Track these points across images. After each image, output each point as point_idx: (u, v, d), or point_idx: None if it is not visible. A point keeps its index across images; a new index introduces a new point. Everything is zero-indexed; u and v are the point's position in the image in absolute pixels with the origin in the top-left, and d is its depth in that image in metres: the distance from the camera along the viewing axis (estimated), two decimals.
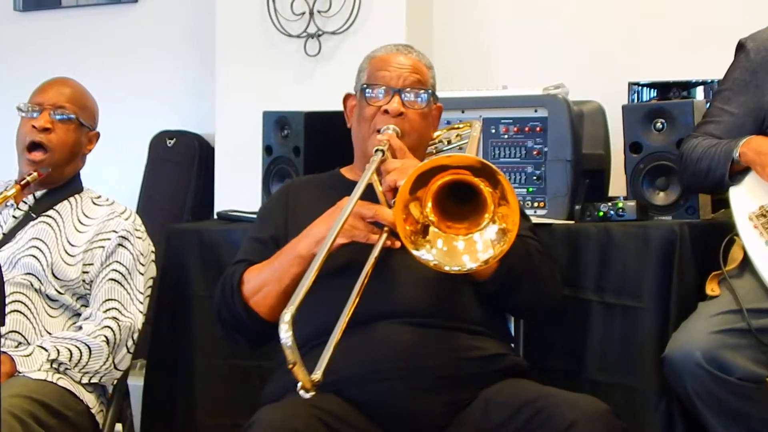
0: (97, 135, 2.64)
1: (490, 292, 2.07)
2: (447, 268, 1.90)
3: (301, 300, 1.75)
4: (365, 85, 2.23)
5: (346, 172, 2.34)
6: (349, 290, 1.90)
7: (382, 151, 2.06)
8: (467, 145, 2.38)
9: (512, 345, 2.22)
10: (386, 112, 2.18)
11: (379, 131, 2.17)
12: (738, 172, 2.33)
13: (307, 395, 1.71)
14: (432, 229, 1.91)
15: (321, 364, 1.74)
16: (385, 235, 1.95)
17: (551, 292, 2.16)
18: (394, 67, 2.22)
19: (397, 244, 1.93)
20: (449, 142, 2.45)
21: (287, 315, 1.70)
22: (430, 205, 1.91)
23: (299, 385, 1.70)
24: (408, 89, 2.20)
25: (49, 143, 2.50)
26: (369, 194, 2.00)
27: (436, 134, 2.42)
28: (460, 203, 1.93)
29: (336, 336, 1.80)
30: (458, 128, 2.50)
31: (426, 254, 1.90)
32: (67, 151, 2.53)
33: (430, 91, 2.23)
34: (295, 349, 1.68)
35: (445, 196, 1.92)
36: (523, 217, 2.30)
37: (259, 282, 2.07)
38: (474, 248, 1.90)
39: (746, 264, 2.27)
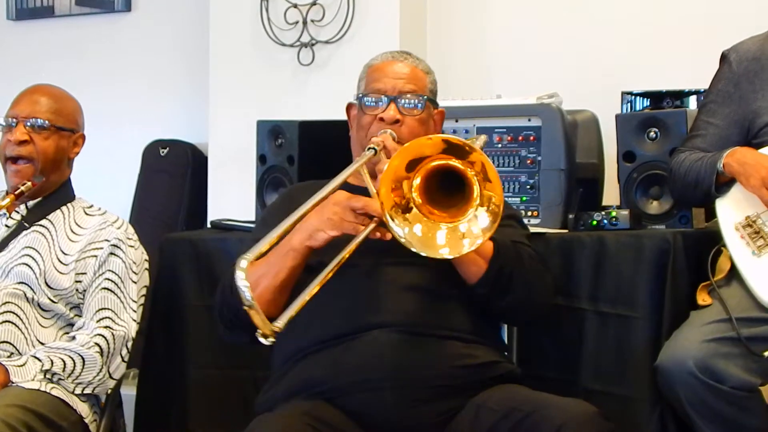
0: (82, 137, 2.59)
1: (480, 295, 2.07)
2: (415, 250, 1.93)
3: (260, 251, 1.77)
4: (362, 94, 2.24)
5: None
6: (341, 304, 1.93)
7: (374, 149, 2.08)
8: None
9: (506, 353, 2.22)
10: (382, 119, 2.19)
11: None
12: (724, 183, 2.34)
13: (266, 341, 1.73)
14: (414, 210, 1.95)
15: (285, 315, 1.76)
16: (372, 226, 1.95)
17: (540, 296, 2.15)
18: (389, 76, 2.23)
19: (388, 236, 1.94)
20: None
21: (243, 262, 1.71)
22: (417, 185, 1.95)
23: (258, 332, 1.72)
24: (404, 96, 2.21)
25: (29, 155, 2.48)
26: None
27: None
28: (449, 194, 1.95)
29: (305, 297, 1.82)
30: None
31: (399, 230, 1.93)
32: (50, 158, 2.50)
33: (425, 97, 2.23)
34: (250, 291, 1.69)
35: (434, 185, 1.96)
36: (520, 224, 2.30)
37: (256, 277, 2.02)
38: (456, 237, 1.93)
39: (734, 274, 2.28)
